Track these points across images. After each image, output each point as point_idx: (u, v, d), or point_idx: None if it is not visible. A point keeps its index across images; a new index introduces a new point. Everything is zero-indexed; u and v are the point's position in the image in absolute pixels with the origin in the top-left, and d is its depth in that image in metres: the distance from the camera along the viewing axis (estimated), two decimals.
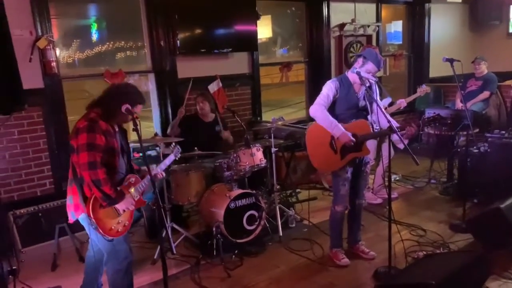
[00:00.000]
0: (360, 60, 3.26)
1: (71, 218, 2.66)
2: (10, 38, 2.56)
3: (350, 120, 3.27)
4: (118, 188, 2.60)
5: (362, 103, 3.31)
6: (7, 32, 2.47)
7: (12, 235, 3.77)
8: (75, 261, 3.75)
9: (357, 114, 3.31)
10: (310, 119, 3.43)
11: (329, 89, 3.25)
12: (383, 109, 3.12)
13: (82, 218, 2.60)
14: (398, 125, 3.15)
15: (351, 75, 3.29)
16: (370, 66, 3.19)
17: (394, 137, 3.07)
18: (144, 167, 2.78)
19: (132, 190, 2.69)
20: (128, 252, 2.74)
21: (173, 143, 3.37)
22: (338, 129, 3.16)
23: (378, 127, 3.33)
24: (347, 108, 3.28)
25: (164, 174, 2.97)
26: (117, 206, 2.57)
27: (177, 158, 3.24)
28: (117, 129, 2.70)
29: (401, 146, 2.98)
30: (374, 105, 3.34)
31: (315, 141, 3.38)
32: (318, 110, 3.21)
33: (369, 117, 3.36)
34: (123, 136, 2.79)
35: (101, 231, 2.53)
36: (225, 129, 4.76)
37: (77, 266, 3.63)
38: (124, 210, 2.62)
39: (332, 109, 3.27)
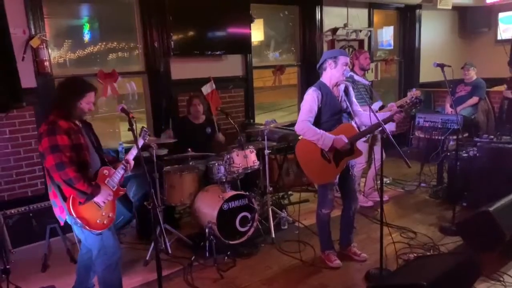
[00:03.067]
0: (331, 62, 3.23)
1: (61, 221, 2.68)
2: (9, 36, 2.56)
3: (335, 126, 3.27)
4: (94, 182, 2.61)
5: (343, 105, 3.34)
6: (6, 30, 2.47)
7: (2, 235, 3.73)
8: (66, 262, 3.71)
9: (341, 119, 3.33)
10: None
11: (312, 101, 3.21)
12: (371, 108, 3.14)
13: (69, 219, 2.61)
14: (388, 115, 3.16)
15: (327, 80, 3.29)
16: (342, 60, 3.21)
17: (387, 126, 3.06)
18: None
19: (107, 181, 2.69)
20: (117, 248, 2.77)
21: (142, 126, 3.28)
22: (328, 139, 3.16)
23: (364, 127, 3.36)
24: (332, 114, 3.29)
25: (132, 162, 2.85)
26: (95, 199, 2.59)
27: (146, 141, 3.12)
28: (80, 125, 2.72)
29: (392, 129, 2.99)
30: (355, 105, 3.39)
31: (306, 157, 3.32)
32: (305, 127, 3.20)
33: (352, 121, 3.41)
34: (89, 130, 2.81)
35: (87, 227, 2.55)
36: (218, 131, 4.78)
37: (68, 267, 3.61)
38: (104, 202, 2.63)
39: (317, 118, 3.26)
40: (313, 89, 3.27)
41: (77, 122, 2.70)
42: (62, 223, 2.70)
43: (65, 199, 2.54)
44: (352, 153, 3.29)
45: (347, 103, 3.34)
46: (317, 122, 3.27)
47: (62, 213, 2.60)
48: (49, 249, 3.86)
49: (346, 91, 3.37)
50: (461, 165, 4.47)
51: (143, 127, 3.22)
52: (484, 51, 8.11)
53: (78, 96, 2.63)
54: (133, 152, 2.84)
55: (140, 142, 2.99)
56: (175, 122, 4.76)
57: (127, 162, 2.78)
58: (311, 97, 3.23)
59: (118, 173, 2.75)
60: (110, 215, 2.68)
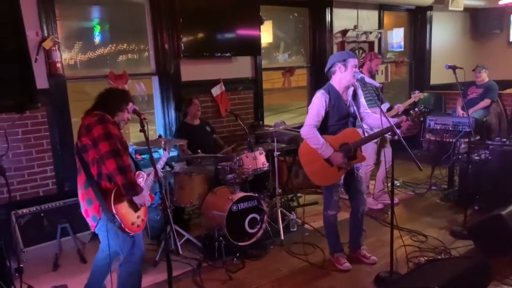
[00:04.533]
0: (340, 65, 3.21)
1: (93, 223, 2.59)
2: (26, 39, 2.62)
3: (341, 130, 3.26)
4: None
5: (351, 109, 3.32)
6: (22, 32, 2.54)
7: (14, 234, 3.77)
8: (77, 261, 3.75)
9: (348, 123, 3.32)
10: None
11: (319, 104, 3.21)
12: (382, 110, 3.13)
13: (104, 218, 2.50)
14: (396, 121, 3.13)
15: (337, 83, 3.27)
16: (352, 62, 3.18)
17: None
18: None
19: (143, 185, 2.70)
20: (141, 256, 2.75)
21: (165, 141, 3.43)
22: (327, 152, 3.17)
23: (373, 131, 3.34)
24: (339, 119, 3.27)
25: (160, 173, 2.92)
26: (137, 199, 2.55)
27: (169, 154, 3.30)
28: None
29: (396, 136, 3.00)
30: (362, 108, 3.37)
31: (308, 158, 3.33)
32: (310, 132, 3.21)
33: (362, 124, 3.38)
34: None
35: (124, 227, 2.49)
36: (213, 133, 4.84)
37: (78, 266, 3.65)
38: (141, 205, 2.61)
39: (324, 122, 3.26)
40: (321, 92, 3.26)
41: None
42: (94, 226, 2.59)
43: (104, 196, 2.46)
44: (355, 158, 3.27)
45: (355, 107, 3.33)
46: (324, 126, 3.27)
47: (97, 212, 2.51)
48: (60, 248, 3.90)
49: (354, 94, 3.35)
50: (473, 168, 4.42)
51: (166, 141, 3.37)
52: (496, 53, 8.03)
53: (125, 103, 2.69)
54: (161, 162, 3.03)
55: (166, 156, 3.21)
56: (181, 128, 4.76)
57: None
58: (319, 100, 3.22)
59: (151, 179, 2.76)
60: (143, 218, 2.67)
